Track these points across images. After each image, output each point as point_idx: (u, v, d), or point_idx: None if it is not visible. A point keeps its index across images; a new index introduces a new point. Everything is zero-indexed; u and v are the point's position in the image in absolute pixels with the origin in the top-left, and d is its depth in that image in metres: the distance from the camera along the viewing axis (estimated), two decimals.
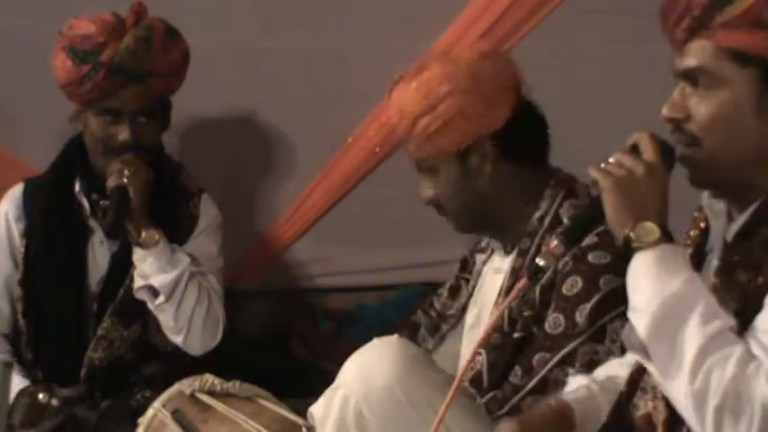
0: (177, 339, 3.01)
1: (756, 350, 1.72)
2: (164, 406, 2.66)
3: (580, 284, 2.34)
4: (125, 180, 2.94)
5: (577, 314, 2.33)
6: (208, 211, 3.14)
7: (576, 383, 2.19)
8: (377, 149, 3.48)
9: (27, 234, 3.10)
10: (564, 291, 2.36)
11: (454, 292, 2.71)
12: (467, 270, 2.72)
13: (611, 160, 1.91)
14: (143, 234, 2.96)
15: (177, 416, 2.61)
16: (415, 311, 2.80)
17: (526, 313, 2.41)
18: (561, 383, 2.26)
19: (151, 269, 2.97)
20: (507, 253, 2.56)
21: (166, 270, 2.97)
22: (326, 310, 3.63)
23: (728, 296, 1.81)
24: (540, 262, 1.97)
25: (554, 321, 2.37)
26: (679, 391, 1.75)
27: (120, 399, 3.00)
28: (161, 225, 3.02)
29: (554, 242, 1.95)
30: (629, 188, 1.86)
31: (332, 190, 3.53)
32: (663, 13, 1.93)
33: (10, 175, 3.30)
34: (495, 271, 2.59)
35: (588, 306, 2.32)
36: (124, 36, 2.96)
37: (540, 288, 2.39)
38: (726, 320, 1.76)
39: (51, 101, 3.19)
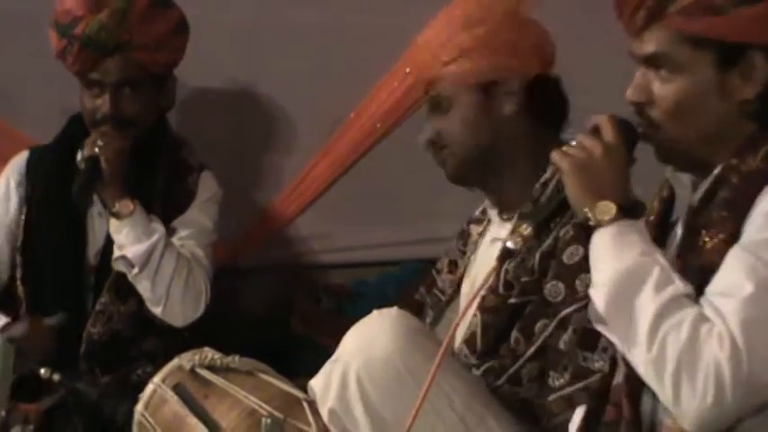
0: (157, 310, 3.02)
1: (709, 313, 1.77)
2: (163, 381, 2.65)
3: (581, 253, 2.33)
4: (96, 150, 2.95)
5: (578, 282, 2.33)
6: (206, 186, 3.15)
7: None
8: (378, 126, 3.50)
9: (28, 200, 3.12)
10: (564, 259, 2.36)
11: (453, 266, 2.70)
12: (463, 242, 2.71)
13: (573, 143, 1.99)
14: (116, 205, 2.97)
15: (178, 391, 2.61)
16: (416, 290, 2.80)
17: (524, 279, 2.40)
18: (556, 350, 2.31)
19: (126, 240, 2.97)
20: (504, 220, 2.55)
21: (141, 240, 2.97)
22: (327, 286, 3.65)
23: (692, 259, 1.87)
24: (510, 244, 2.08)
25: (554, 289, 2.37)
26: (639, 361, 1.81)
27: (121, 374, 3.02)
28: (157, 198, 3.04)
29: (523, 225, 2.05)
30: (586, 169, 1.94)
31: (333, 166, 3.56)
32: (617, 2, 2.00)
33: (10, 147, 3.34)
34: (492, 240, 2.58)
35: (589, 276, 2.31)
36: (101, 10, 2.97)
37: (540, 255, 2.39)
38: (679, 286, 1.81)
39: (50, 75, 3.22)
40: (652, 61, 1.95)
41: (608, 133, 1.97)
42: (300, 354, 3.23)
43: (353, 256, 3.67)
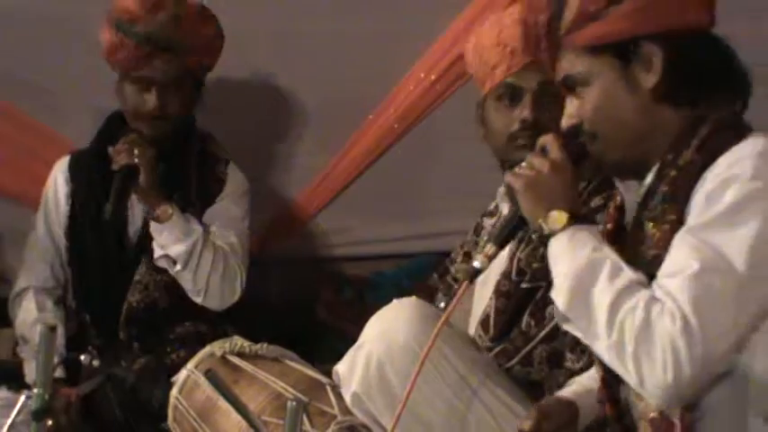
0: (198, 300, 3.16)
1: (659, 294, 1.84)
2: (196, 367, 2.77)
3: None
4: (136, 160, 3.07)
5: None
6: (234, 177, 3.28)
7: (576, 382, 2.34)
8: (395, 126, 3.57)
9: (73, 195, 3.27)
10: None
11: (467, 257, 2.79)
12: (477, 234, 2.81)
13: (523, 164, 2.09)
14: (156, 210, 3.11)
15: (210, 376, 2.63)
16: (430, 276, 2.90)
17: (535, 265, 2.51)
18: (566, 333, 2.37)
19: (167, 240, 3.11)
20: None
21: (181, 240, 3.11)
22: (349, 276, 3.70)
23: (641, 248, 1.96)
24: (476, 264, 2.10)
25: None
26: (602, 349, 1.88)
27: (156, 357, 3.15)
28: (192, 189, 3.19)
29: (488, 245, 2.10)
30: (536, 185, 2.04)
31: (353, 164, 3.61)
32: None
33: (54, 151, 3.46)
34: None
35: None
36: (159, 12, 3.10)
37: None
38: (631, 274, 1.89)
39: (91, 83, 3.35)
40: (567, 84, 2.07)
41: (554, 151, 2.07)
42: (323, 342, 3.32)
43: (370, 249, 3.73)
